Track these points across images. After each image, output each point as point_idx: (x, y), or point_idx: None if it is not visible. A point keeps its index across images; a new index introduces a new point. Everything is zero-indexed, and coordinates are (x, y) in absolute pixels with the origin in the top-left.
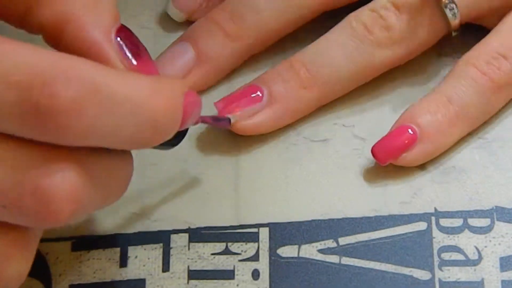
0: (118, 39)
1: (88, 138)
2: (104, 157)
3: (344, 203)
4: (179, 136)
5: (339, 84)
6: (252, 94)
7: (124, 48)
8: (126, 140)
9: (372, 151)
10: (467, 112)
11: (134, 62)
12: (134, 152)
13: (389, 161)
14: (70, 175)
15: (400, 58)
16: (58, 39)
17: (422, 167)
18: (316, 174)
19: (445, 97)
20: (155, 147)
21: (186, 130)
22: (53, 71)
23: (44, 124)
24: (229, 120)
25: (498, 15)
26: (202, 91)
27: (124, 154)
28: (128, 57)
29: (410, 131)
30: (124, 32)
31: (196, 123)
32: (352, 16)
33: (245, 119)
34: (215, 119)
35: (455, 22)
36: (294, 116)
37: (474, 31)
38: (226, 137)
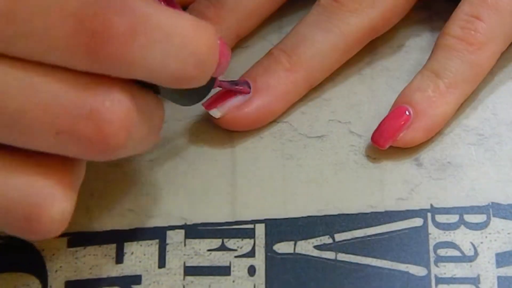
0: None
1: (137, 68)
2: (146, 95)
3: (340, 199)
4: (206, 89)
5: (322, 59)
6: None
7: None
8: (171, 75)
9: (372, 138)
10: (456, 80)
11: (163, 4)
12: None
13: (388, 144)
14: (121, 100)
15: (377, 21)
16: None
17: (418, 163)
18: (312, 170)
19: (431, 72)
20: (180, 100)
21: (211, 86)
22: (107, 0)
23: (97, 51)
24: (248, 84)
25: None
26: None
27: (158, 100)
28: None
29: (406, 112)
30: None
31: (216, 84)
32: None
33: (234, 111)
34: (234, 83)
35: None
36: (284, 100)
37: None
38: (223, 133)
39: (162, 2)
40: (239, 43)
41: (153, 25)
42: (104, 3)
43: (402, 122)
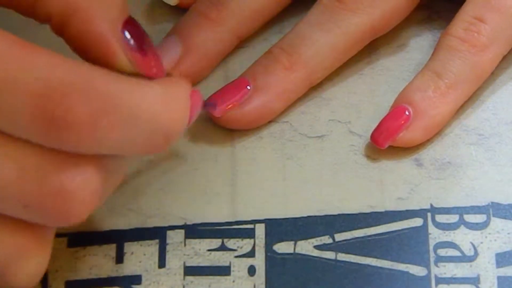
0: (126, 32)
1: (101, 149)
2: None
3: (340, 199)
4: None
5: (322, 58)
6: (238, 87)
7: (130, 42)
8: (138, 149)
9: (370, 136)
10: (458, 81)
11: (139, 56)
12: None
13: (387, 143)
14: (91, 177)
15: (378, 21)
16: (65, 29)
17: (418, 163)
18: (312, 170)
19: (432, 72)
20: None
21: None
22: (70, 84)
23: (58, 136)
24: (214, 104)
25: None
26: (197, 83)
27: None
28: (133, 50)
29: (406, 112)
30: (131, 25)
31: None
32: None
33: (234, 110)
34: (207, 105)
35: None
36: (283, 99)
37: None
38: (223, 133)
39: (137, 50)
40: (239, 43)
41: (120, 108)
42: (67, 89)
43: (402, 122)
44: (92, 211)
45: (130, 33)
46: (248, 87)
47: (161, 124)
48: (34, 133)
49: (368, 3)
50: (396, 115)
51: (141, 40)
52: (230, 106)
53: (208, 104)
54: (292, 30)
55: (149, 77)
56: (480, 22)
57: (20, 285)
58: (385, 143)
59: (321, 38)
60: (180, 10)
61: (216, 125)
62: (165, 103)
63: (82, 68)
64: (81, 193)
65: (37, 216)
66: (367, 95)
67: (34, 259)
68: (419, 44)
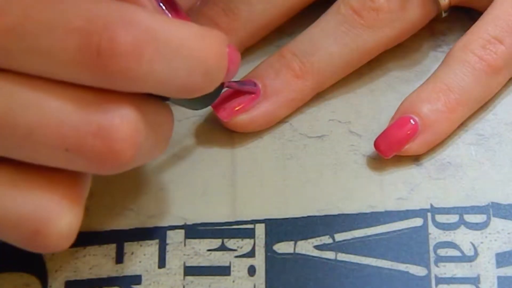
0: None
1: (145, 83)
2: (154, 105)
3: (340, 199)
4: (215, 92)
5: (333, 70)
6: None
7: (163, 6)
8: (179, 86)
9: (375, 145)
10: (467, 98)
11: (169, 15)
12: None
13: (392, 154)
14: (130, 116)
15: (392, 39)
16: None
17: (418, 163)
18: (312, 170)
19: (444, 85)
20: (189, 105)
21: (220, 90)
22: (112, 16)
23: (104, 68)
24: (255, 83)
25: None
26: None
27: (167, 108)
28: (165, 12)
29: (411, 121)
30: None
31: (224, 85)
32: (340, 1)
33: (242, 114)
34: (241, 84)
35: (444, 2)
36: (290, 106)
37: (468, 22)
38: (223, 133)
39: (170, 12)
40: None
41: (160, 39)
42: (110, 19)
43: (408, 133)
44: (135, 157)
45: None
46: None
47: (200, 60)
48: (81, 69)
49: (387, 21)
50: (401, 125)
51: (173, 5)
52: (238, 109)
53: (248, 83)
54: (305, 34)
55: None
56: (499, 44)
57: (51, 246)
58: (390, 153)
59: (336, 51)
60: None
61: (216, 125)
62: (204, 41)
63: (120, 3)
64: (122, 130)
65: (80, 160)
66: (367, 95)
67: (68, 218)
68: (418, 44)
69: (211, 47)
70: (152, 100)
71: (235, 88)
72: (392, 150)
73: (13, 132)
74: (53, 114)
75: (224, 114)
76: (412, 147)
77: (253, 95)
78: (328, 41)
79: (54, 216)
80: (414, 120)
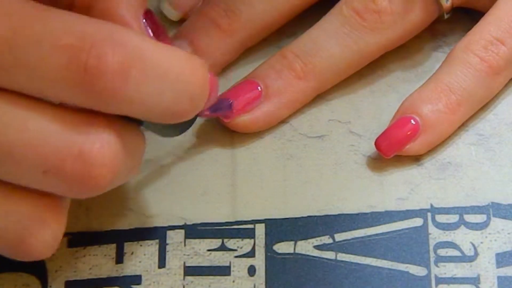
0: (144, 20)
1: (131, 104)
2: (131, 130)
3: (340, 199)
4: (190, 121)
5: (335, 72)
6: (248, 90)
7: (149, 30)
8: (164, 110)
9: (375, 144)
10: (468, 99)
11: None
12: None
13: (393, 154)
14: (111, 141)
15: (394, 41)
16: (89, 13)
17: (418, 163)
18: (312, 170)
19: (445, 85)
20: (163, 133)
21: (195, 118)
22: (101, 35)
23: (90, 86)
24: (229, 103)
25: None
26: None
27: (139, 132)
28: (149, 33)
29: (412, 121)
30: (150, 16)
31: (199, 115)
32: (342, 3)
33: (243, 114)
34: (215, 109)
35: (446, 4)
36: (292, 107)
37: (469, 23)
38: (223, 133)
39: (154, 36)
40: None
41: (148, 61)
42: (99, 38)
43: (408, 133)
44: (113, 181)
45: (148, 22)
46: (259, 88)
47: (187, 84)
48: (67, 87)
49: (389, 23)
50: (402, 125)
51: (158, 30)
52: (240, 110)
53: (223, 105)
54: (307, 35)
55: None
56: (501, 45)
57: (35, 255)
58: (391, 152)
59: (337, 52)
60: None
61: (216, 125)
62: (191, 67)
63: (110, 24)
64: (102, 156)
65: (57, 183)
66: (367, 96)
67: (50, 229)
68: (418, 45)
69: (197, 72)
70: (129, 125)
71: (210, 115)
72: (392, 150)
73: None
74: (34, 134)
75: (225, 115)
76: (412, 147)
77: (255, 95)
78: (330, 43)
79: (38, 227)
80: (415, 120)
